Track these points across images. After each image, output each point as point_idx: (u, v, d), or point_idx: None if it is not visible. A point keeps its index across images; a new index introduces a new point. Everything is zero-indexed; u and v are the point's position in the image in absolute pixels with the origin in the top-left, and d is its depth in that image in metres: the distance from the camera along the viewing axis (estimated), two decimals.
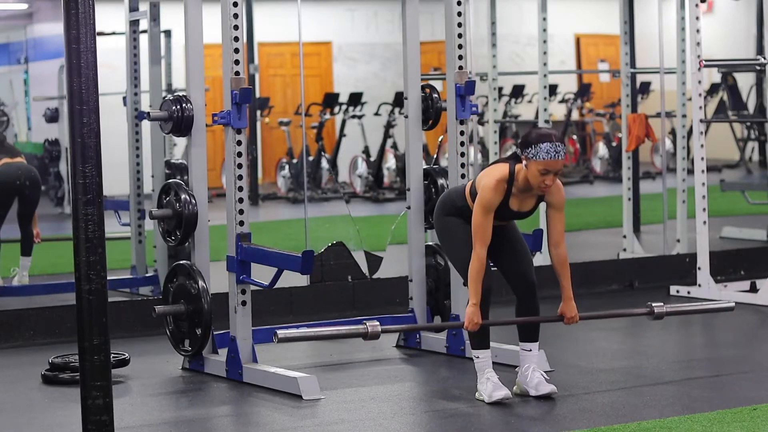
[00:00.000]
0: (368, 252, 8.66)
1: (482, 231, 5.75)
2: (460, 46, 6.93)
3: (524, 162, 5.74)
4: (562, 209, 5.88)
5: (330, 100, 16.64)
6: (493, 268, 6.05)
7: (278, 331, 5.82)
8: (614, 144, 17.67)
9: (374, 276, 8.52)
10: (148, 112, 7.00)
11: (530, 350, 5.95)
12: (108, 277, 4.40)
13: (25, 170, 9.05)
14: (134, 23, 9.07)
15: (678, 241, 9.72)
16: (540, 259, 8.42)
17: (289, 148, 16.67)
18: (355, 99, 16.66)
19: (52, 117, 14.96)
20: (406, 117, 7.10)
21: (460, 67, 6.92)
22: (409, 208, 7.09)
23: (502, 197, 5.77)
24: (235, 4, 6.38)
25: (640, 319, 8.29)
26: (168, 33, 13.51)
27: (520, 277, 5.95)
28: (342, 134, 16.85)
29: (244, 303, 6.47)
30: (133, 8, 9.06)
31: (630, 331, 7.85)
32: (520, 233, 6.05)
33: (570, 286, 5.94)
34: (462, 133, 6.95)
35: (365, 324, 5.84)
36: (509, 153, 17.21)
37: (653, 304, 6.30)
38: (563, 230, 5.90)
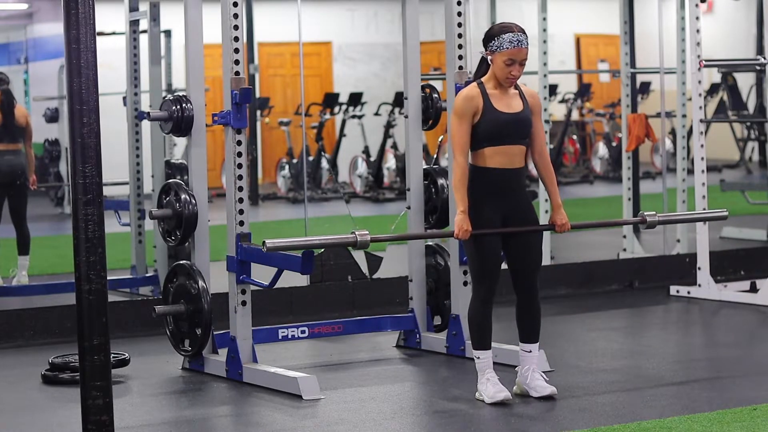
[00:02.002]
0: (368, 252, 8.66)
1: (459, 138, 5.77)
2: (460, 46, 6.93)
3: (488, 57, 5.80)
4: (540, 115, 5.95)
5: (330, 100, 16.64)
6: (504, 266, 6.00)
7: (266, 240, 5.77)
8: (614, 144, 17.67)
9: (374, 276, 8.52)
10: (148, 112, 7.00)
11: (530, 351, 5.95)
12: (108, 277, 4.41)
13: (13, 163, 9.02)
14: (134, 23, 9.07)
15: (678, 241, 9.72)
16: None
17: (289, 148, 16.67)
18: (355, 99, 16.66)
19: (52, 117, 14.96)
20: (406, 117, 7.10)
21: (460, 67, 6.92)
22: (409, 208, 7.09)
23: (478, 101, 5.78)
24: (235, 4, 6.38)
25: (640, 319, 8.31)
26: (168, 33, 13.51)
27: (524, 278, 5.93)
28: (342, 134, 16.85)
29: (244, 303, 6.47)
30: (133, 8, 9.06)
31: (630, 331, 7.85)
32: (540, 239, 6.01)
33: (558, 194, 5.95)
34: None
35: (354, 233, 5.80)
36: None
37: (645, 213, 6.26)
38: (544, 137, 5.98)
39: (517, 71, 5.78)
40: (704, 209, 8.47)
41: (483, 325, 5.86)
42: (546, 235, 8.74)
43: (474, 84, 5.88)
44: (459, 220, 5.75)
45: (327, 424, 5.60)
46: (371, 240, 5.81)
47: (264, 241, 5.77)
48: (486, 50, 5.84)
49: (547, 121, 10.05)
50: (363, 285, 8.39)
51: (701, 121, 8.58)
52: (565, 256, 10.00)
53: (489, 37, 5.83)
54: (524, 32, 5.82)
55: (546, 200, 9.29)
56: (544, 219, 9.05)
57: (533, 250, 5.95)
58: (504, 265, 5.95)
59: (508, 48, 5.76)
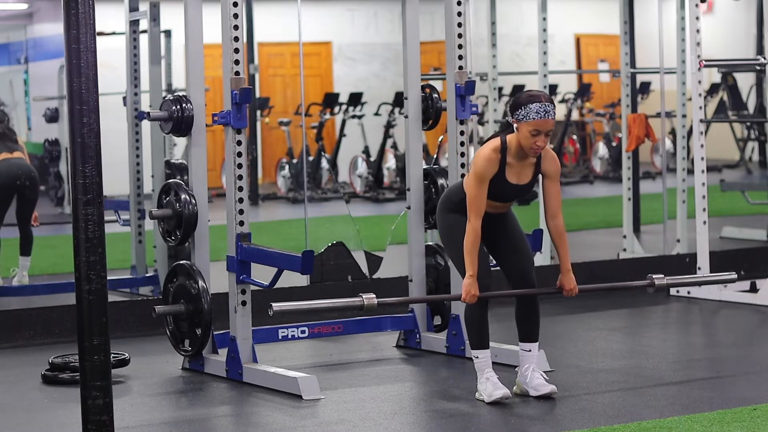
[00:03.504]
0: (368, 252, 8.66)
1: (477, 202, 5.75)
2: (460, 46, 6.93)
3: (515, 125, 5.75)
4: (557, 179, 5.89)
5: (330, 100, 16.64)
6: (494, 268, 6.05)
7: (273, 304, 5.79)
8: (614, 144, 17.67)
9: (374, 276, 8.52)
10: (148, 112, 7.00)
11: (530, 350, 5.95)
12: (108, 277, 4.40)
13: (24, 168, 9.04)
14: (134, 23, 9.07)
15: (678, 241, 9.72)
16: (540, 259, 8.42)
17: (289, 148, 16.67)
18: (355, 99, 16.66)
19: (52, 117, 14.96)
20: (406, 117, 7.10)
21: (460, 67, 6.92)
22: (409, 208, 7.09)
23: (496, 167, 5.76)
24: (235, 4, 6.38)
25: (640, 319, 8.31)
26: (168, 33, 13.51)
27: (520, 276, 5.95)
28: (342, 134, 16.85)
29: (244, 303, 6.47)
30: (133, 8, 9.05)
31: (630, 331, 7.85)
32: (522, 232, 6.04)
33: (568, 258, 5.93)
34: (462, 133, 6.95)
35: (361, 296, 5.81)
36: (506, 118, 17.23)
37: (654, 276, 6.26)
38: (560, 201, 5.90)
39: (542, 142, 5.73)
40: (704, 209, 8.48)
41: (480, 325, 5.87)
42: (545, 235, 8.73)
43: (497, 144, 5.79)
44: (467, 284, 5.76)
45: (327, 424, 5.60)
46: (378, 303, 5.82)
47: (271, 304, 5.78)
48: (512, 117, 5.77)
49: None
50: (363, 285, 8.38)
51: (701, 121, 8.58)
52: None
53: (516, 106, 5.75)
54: (552, 102, 5.75)
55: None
56: (543, 220, 9.05)
57: (522, 250, 5.97)
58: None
59: (534, 118, 5.69)
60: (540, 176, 5.91)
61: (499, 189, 5.82)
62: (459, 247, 5.90)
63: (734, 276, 6.53)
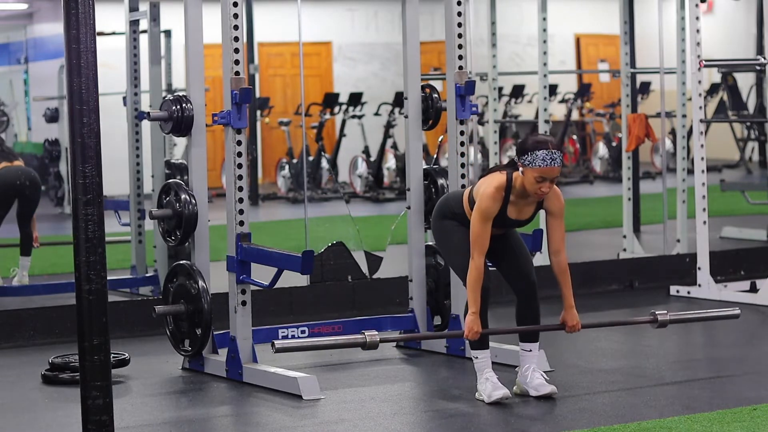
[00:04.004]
0: (368, 252, 8.66)
1: (480, 240, 5.75)
2: (460, 46, 6.93)
3: (521, 169, 5.74)
4: (562, 216, 5.87)
5: (330, 100, 16.64)
6: (491, 268, 6.05)
7: (276, 342, 5.81)
8: (614, 144, 17.67)
9: (374, 276, 8.52)
10: (148, 112, 6.99)
11: (530, 350, 5.95)
12: (108, 277, 4.40)
13: (25, 172, 9.08)
14: (134, 23, 9.07)
15: (678, 241, 9.72)
16: (540, 259, 8.41)
17: (289, 148, 16.67)
18: (355, 99, 16.66)
19: (52, 117, 14.96)
20: (406, 117, 7.10)
21: (460, 67, 6.92)
22: (409, 208, 7.09)
23: (500, 205, 5.77)
24: (235, 4, 6.38)
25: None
26: (168, 33, 13.51)
27: (520, 276, 5.95)
28: (342, 134, 16.85)
29: (244, 303, 6.47)
30: (133, 8, 9.05)
31: (630, 331, 7.85)
32: (518, 233, 6.05)
33: (571, 295, 5.93)
34: (462, 133, 6.95)
35: (363, 333, 5.82)
36: (508, 153, 17.25)
37: (657, 312, 6.27)
38: (563, 238, 5.88)
39: (547, 188, 5.71)
40: (704, 209, 8.48)
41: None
42: (545, 235, 8.73)
43: (503, 182, 5.77)
44: (470, 321, 5.76)
45: (327, 424, 5.60)
46: (380, 341, 5.83)
47: (273, 342, 5.79)
48: (518, 161, 5.76)
49: (547, 122, 10.06)
50: (363, 285, 8.39)
51: (701, 121, 8.58)
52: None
53: (523, 150, 5.73)
54: (559, 149, 5.72)
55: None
56: (543, 220, 9.05)
57: (521, 252, 5.98)
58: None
59: (541, 166, 5.67)
60: (544, 212, 5.92)
61: (497, 221, 5.82)
62: (456, 254, 5.91)
63: (737, 312, 6.52)
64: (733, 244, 10.45)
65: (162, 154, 9.07)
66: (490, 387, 5.80)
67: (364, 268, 8.51)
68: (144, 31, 9.10)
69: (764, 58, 8.85)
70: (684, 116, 10.14)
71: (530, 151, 5.69)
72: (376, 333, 5.86)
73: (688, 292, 8.63)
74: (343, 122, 16.78)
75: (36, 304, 8.05)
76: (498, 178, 5.80)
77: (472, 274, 5.74)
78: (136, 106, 9.06)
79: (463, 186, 6.92)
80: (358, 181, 16.43)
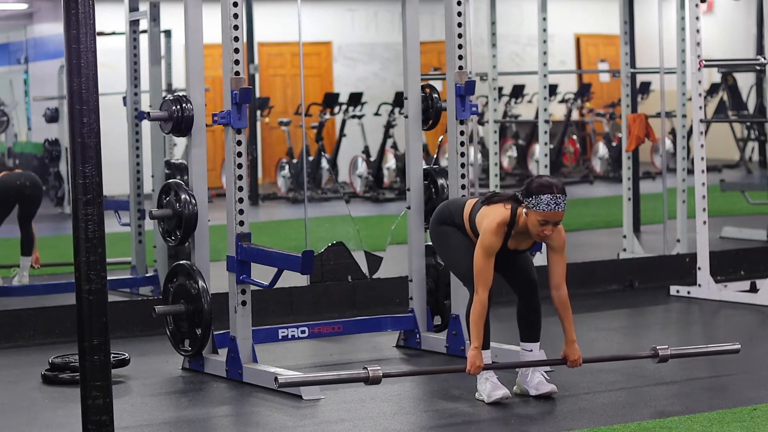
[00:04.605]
0: (368, 252, 8.66)
1: (484, 274, 5.73)
2: (460, 46, 6.93)
3: (524, 210, 5.73)
4: (563, 251, 5.85)
5: (330, 100, 16.64)
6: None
7: (279, 377, 5.77)
8: (614, 144, 17.67)
9: (374, 276, 8.52)
10: (148, 112, 6.99)
11: (531, 350, 5.96)
12: (108, 277, 4.40)
13: (26, 175, 9.13)
14: (134, 23, 9.07)
15: (678, 241, 9.72)
16: (540, 259, 8.41)
17: (289, 148, 16.67)
18: (355, 99, 16.66)
19: (52, 117, 14.96)
20: (406, 117, 7.10)
21: (460, 67, 6.92)
22: (409, 208, 7.09)
23: (503, 240, 5.77)
24: (235, 4, 6.38)
25: (640, 319, 8.32)
26: (168, 33, 13.50)
27: (520, 276, 5.95)
28: (342, 134, 16.84)
29: (244, 303, 6.47)
30: (133, 8, 9.05)
31: (630, 332, 7.86)
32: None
33: (573, 329, 5.92)
34: (462, 133, 6.95)
35: (366, 369, 5.77)
36: (508, 153, 17.25)
37: (658, 348, 6.25)
38: (564, 272, 5.85)
39: (549, 231, 5.69)
40: (704, 209, 8.48)
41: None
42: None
43: (506, 217, 5.75)
44: (472, 356, 5.76)
45: (327, 424, 5.60)
46: (383, 375, 5.77)
47: (276, 377, 5.77)
48: (522, 202, 5.73)
49: (547, 121, 10.06)
50: (363, 285, 8.38)
51: (701, 121, 8.58)
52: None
53: (527, 193, 5.70)
54: (564, 193, 5.69)
55: None
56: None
57: (523, 259, 5.97)
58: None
59: (545, 210, 5.65)
60: (544, 246, 5.93)
61: (499, 253, 5.82)
62: (456, 257, 5.91)
63: (738, 347, 6.51)
64: (733, 244, 10.45)
65: (162, 154, 9.07)
66: (490, 387, 5.80)
67: (364, 268, 8.51)
68: (144, 31, 9.10)
69: (764, 58, 8.85)
70: (684, 116, 10.14)
71: (535, 194, 5.66)
72: (380, 369, 5.78)
73: (688, 292, 8.62)
74: (343, 122, 16.78)
75: (36, 304, 8.04)
76: (502, 214, 5.77)
77: (475, 308, 5.73)
78: (136, 106, 9.06)
79: (463, 186, 6.93)
80: (358, 181, 16.43)
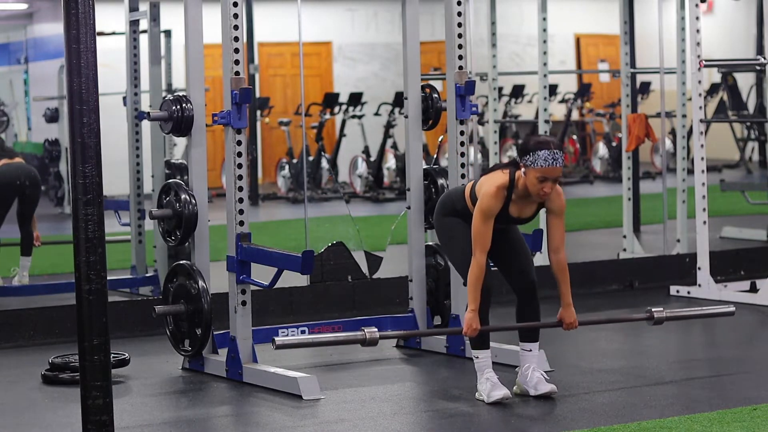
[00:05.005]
0: (368, 252, 8.66)
1: (482, 238, 5.75)
2: (460, 46, 6.93)
3: (522, 169, 5.74)
4: (563, 215, 5.88)
5: (330, 100, 16.64)
6: (492, 268, 6.05)
7: (276, 338, 5.81)
8: (614, 144, 17.67)
9: (374, 276, 8.51)
10: (148, 112, 6.99)
11: (530, 350, 5.96)
12: (108, 277, 4.40)
13: (25, 170, 9.08)
14: (134, 23, 9.07)
15: (678, 241, 9.72)
16: (540, 259, 8.41)
17: (289, 148, 16.67)
18: (355, 99, 16.66)
19: (52, 117, 14.96)
20: (406, 117, 7.10)
21: (460, 67, 6.92)
22: (409, 208, 7.09)
23: (501, 204, 5.77)
24: (235, 4, 6.38)
25: None
26: (168, 33, 13.50)
27: (520, 276, 5.96)
28: (342, 134, 16.85)
29: (244, 303, 6.47)
30: (133, 8, 9.05)
31: (630, 332, 7.85)
32: (520, 233, 6.06)
33: (569, 292, 5.94)
34: (462, 133, 6.95)
35: (363, 330, 5.83)
36: (508, 153, 17.25)
37: (653, 309, 6.28)
38: (563, 236, 5.90)
39: (549, 188, 5.72)
40: (704, 209, 8.48)
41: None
42: (546, 235, 8.73)
43: (505, 181, 5.78)
44: (469, 318, 5.77)
45: (327, 424, 5.60)
46: (380, 337, 5.82)
47: (273, 339, 5.79)
48: (520, 161, 5.78)
49: (547, 121, 10.06)
50: (363, 285, 8.38)
51: (701, 121, 8.58)
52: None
53: (524, 151, 5.75)
54: (560, 149, 5.74)
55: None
56: (543, 221, 9.06)
57: (521, 251, 5.99)
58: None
59: (543, 166, 5.69)
60: (544, 211, 5.93)
61: (499, 218, 5.83)
62: (458, 251, 5.92)
63: (732, 309, 6.53)
64: (733, 244, 10.45)
65: (162, 154, 9.07)
66: (490, 387, 5.81)
67: (364, 268, 8.51)
68: (144, 31, 9.10)
69: (764, 58, 8.85)
70: (684, 116, 10.14)
71: (532, 151, 5.70)
72: (376, 330, 5.85)
73: (688, 292, 8.63)
74: (343, 122, 16.78)
75: (36, 304, 8.04)
76: (500, 177, 5.81)
77: (473, 271, 5.74)
78: (136, 106, 9.06)
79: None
80: (358, 181, 16.43)
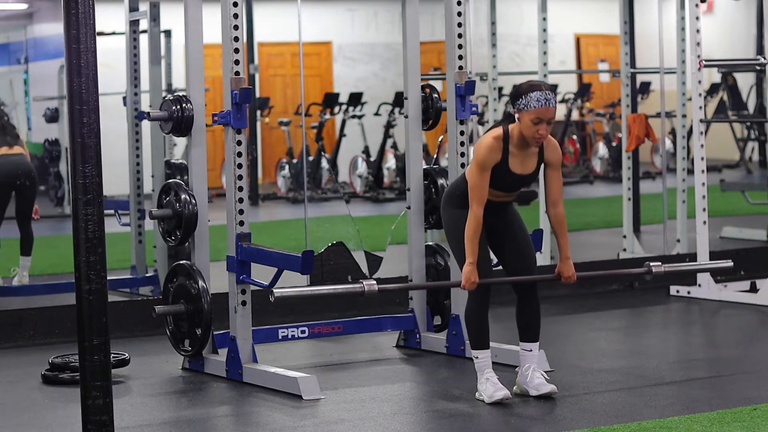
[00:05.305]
0: (368, 252, 8.66)
1: (479, 190, 5.76)
2: (460, 46, 6.93)
3: (516, 115, 5.77)
4: (559, 168, 5.91)
5: (330, 100, 16.64)
6: (496, 267, 6.04)
7: (274, 290, 5.78)
8: (614, 144, 17.67)
9: (374, 276, 8.51)
10: (148, 112, 6.99)
11: (530, 350, 5.95)
12: (108, 277, 4.40)
13: (22, 166, 9.04)
14: (134, 23, 9.07)
15: (678, 241, 9.72)
16: (540, 259, 8.42)
17: (289, 148, 16.67)
18: (355, 99, 16.66)
19: (52, 117, 14.96)
20: (406, 117, 7.10)
21: (460, 67, 6.92)
22: (409, 208, 7.09)
23: (498, 156, 5.77)
24: (235, 4, 6.38)
25: (640, 319, 8.31)
26: (168, 33, 13.51)
27: (522, 274, 5.94)
28: (342, 134, 16.85)
29: (244, 303, 6.47)
30: (133, 8, 9.05)
31: (630, 331, 7.85)
32: (526, 231, 6.05)
33: (568, 246, 5.93)
34: (462, 133, 6.95)
35: (362, 282, 5.81)
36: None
37: (651, 264, 6.25)
38: (561, 189, 5.92)
39: (544, 130, 5.74)
40: (704, 209, 8.48)
41: (480, 325, 5.86)
42: (546, 235, 8.74)
43: (500, 132, 5.81)
44: (467, 271, 5.76)
45: (327, 424, 5.60)
46: (379, 289, 5.82)
47: (272, 290, 5.78)
48: (513, 108, 5.80)
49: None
50: None
51: (701, 121, 8.58)
52: None
53: (516, 95, 5.78)
54: (552, 91, 5.78)
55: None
56: (543, 220, 9.06)
57: (525, 248, 5.98)
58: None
59: (535, 107, 5.72)
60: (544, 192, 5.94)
61: (503, 178, 5.82)
62: (462, 246, 5.90)
63: (730, 264, 6.52)
64: (733, 244, 10.45)
65: (162, 154, 9.07)
66: (490, 387, 5.80)
67: (364, 268, 8.51)
68: (144, 31, 9.11)
69: (764, 58, 8.85)
70: (684, 116, 10.14)
71: (524, 94, 5.75)
72: (374, 282, 5.83)
73: (688, 292, 8.62)
74: (343, 122, 16.78)
75: (36, 304, 8.04)
76: (495, 130, 5.85)
77: (470, 224, 5.75)
78: (136, 106, 9.06)
79: None
80: (358, 181, 16.44)
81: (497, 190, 5.86)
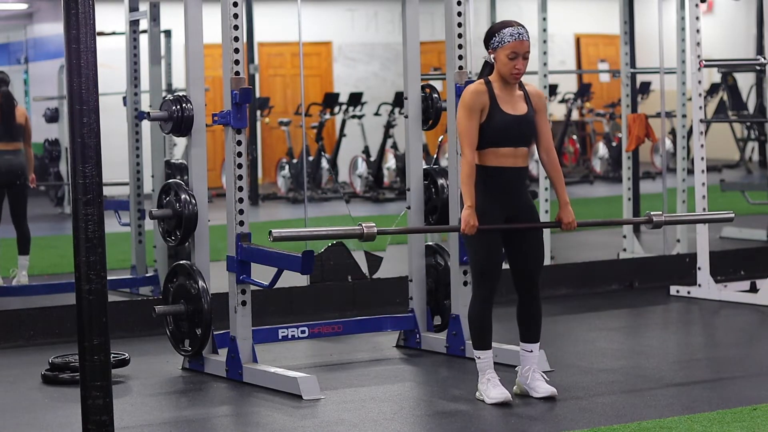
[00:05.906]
0: (368, 252, 8.67)
1: (468, 133, 5.76)
2: (460, 46, 6.93)
3: (492, 55, 5.81)
4: (546, 113, 5.94)
5: (330, 100, 16.64)
6: (505, 266, 6.00)
7: (273, 231, 5.77)
8: (614, 144, 17.68)
9: (374, 276, 8.52)
10: (148, 112, 6.99)
11: (531, 351, 5.95)
12: (108, 277, 4.40)
13: (15, 165, 9.05)
14: (134, 23, 9.07)
15: (678, 241, 9.72)
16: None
17: (289, 148, 16.67)
18: (355, 99, 16.66)
19: (52, 117, 14.96)
20: (406, 117, 7.10)
21: (460, 67, 6.92)
22: (409, 208, 7.09)
23: (484, 98, 5.78)
24: (235, 4, 6.38)
25: (640, 319, 8.31)
26: (168, 33, 13.51)
27: (526, 277, 5.92)
28: (342, 134, 16.85)
29: (244, 303, 6.47)
30: (133, 8, 9.06)
31: (630, 331, 7.86)
32: (542, 240, 6.01)
33: (565, 192, 5.92)
34: None
35: (361, 225, 5.80)
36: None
37: (652, 213, 6.24)
38: (551, 135, 5.94)
39: (521, 65, 5.78)
40: (704, 209, 8.48)
41: (483, 325, 5.86)
42: (546, 234, 8.74)
43: (481, 81, 5.86)
44: (466, 215, 5.73)
45: (327, 424, 5.60)
46: (378, 232, 5.81)
47: (270, 231, 5.77)
48: (488, 49, 5.84)
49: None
50: (363, 285, 8.39)
51: (701, 121, 8.58)
52: (565, 256, 9.99)
53: (490, 35, 5.84)
54: (524, 27, 5.83)
55: (546, 200, 9.29)
56: (543, 219, 9.05)
57: (535, 250, 5.95)
58: (505, 265, 5.95)
59: (509, 41, 5.78)
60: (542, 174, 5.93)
61: (501, 123, 5.78)
62: (476, 252, 5.83)
63: (732, 215, 6.50)
64: (733, 244, 10.45)
65: (162, 154, 9.07)
66: (491, 388, 5.80)
67: (364, 268, 8.51)
68: (144, 31, 9.11)
69: (764, 58, 8.85)
70: (684, 116, 10.14)
71: (497, 32, 5.81)
72: (374, 225, 5.81)
73: (688, 292, 8.62)
74: (343, 122, 16.78)
75: (36, 304, 8.04)
76: (476, 82, 5.89)
77: (463, 169, 5.75)
78: (136, 106, 9.07)
79: None
80: (358, 181, 16.44)
81: (503, 147, 5.79)
